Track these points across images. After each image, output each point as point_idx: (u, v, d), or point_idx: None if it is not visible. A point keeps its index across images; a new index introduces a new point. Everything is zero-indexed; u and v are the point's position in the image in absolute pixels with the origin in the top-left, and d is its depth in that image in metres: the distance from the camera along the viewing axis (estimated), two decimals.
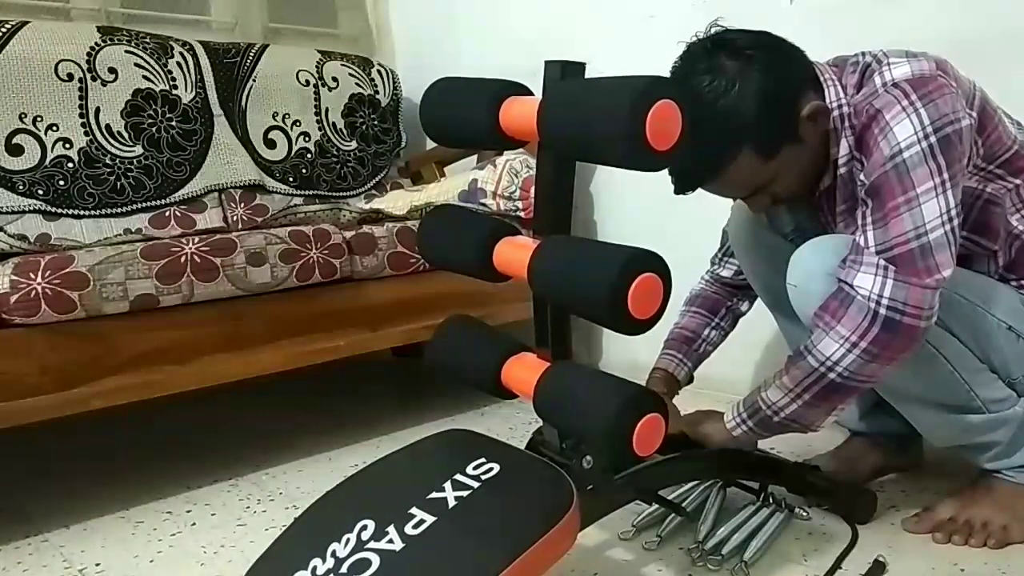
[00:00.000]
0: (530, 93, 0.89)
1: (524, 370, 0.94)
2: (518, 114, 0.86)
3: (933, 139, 0.94)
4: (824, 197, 1.12)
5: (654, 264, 0.78)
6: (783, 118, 1.01)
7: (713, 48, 1.00)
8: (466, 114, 0.90)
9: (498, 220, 0.98)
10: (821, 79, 1.05)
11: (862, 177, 1.01)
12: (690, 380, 1.36)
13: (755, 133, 0.99)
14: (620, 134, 0.73)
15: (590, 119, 0.77)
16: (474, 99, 0.89)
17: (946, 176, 0.95)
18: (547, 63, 0.86)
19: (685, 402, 1.32)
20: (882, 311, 0.95)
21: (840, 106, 1.04)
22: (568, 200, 0.92)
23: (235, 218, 1.94)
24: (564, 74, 0.85)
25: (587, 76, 0.86)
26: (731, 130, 0.98)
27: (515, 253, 0.89)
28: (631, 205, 2.03)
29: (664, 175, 1.69)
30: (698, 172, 1.04)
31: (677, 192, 1.07)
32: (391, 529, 0.83)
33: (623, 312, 0.76)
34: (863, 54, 1.06)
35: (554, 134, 0.82)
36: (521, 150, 1.85)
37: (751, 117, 0.98)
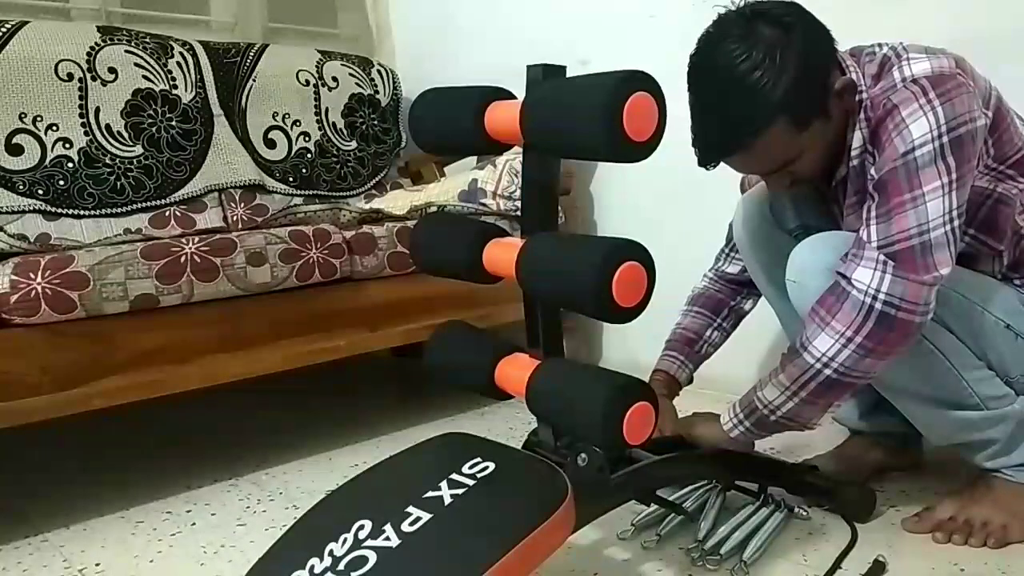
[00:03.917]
0: (513, 97, 0.90)
1: (516, 369, 0.95)
2: (502, 118, 0.88)
3: (946, 138, 0.94)
4: (839, 188, 1.12)
5: (636, 253, 0.79)
6: (818, 90, 1.01)
7: (752, 16, 0.99)
8: (453, 122, 0.92)
9: (486, 223, 1.00)
10: (843, 64, 1.05)
11: (872, 171, 1.01)
12: (690, 381, 1.36)
13: (792, 103, 0.98)
14: (599, 129, 0.76)
15: (569, 117, 0.79)
16: (459, 107, 0.91)
17: (955, 176, 0.95)
18: (529, 67, 0.88)
19: (688, 402, 1.32)
20: (878, 305, 0.95)
21: (860, 91, 1.04)
22: (554, 198, 0.94)
23: (235, 218, 1.94)
24: (545, 77, 0.87)
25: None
26: (769, 98, 0.97)
27: (503, 253, 0.91)
28: (631, 205, 2.03)
29: (665, 175, 1.70)
30: (730, 141, 1.02)
31: (701, 164, 1.05)
32: (388, 527, 0.84)
33: (608, 300, 0.77)
34: (880, 45, 1.06)
35: (537, 134, 0.84)
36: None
37: (790, 86, 0.96)
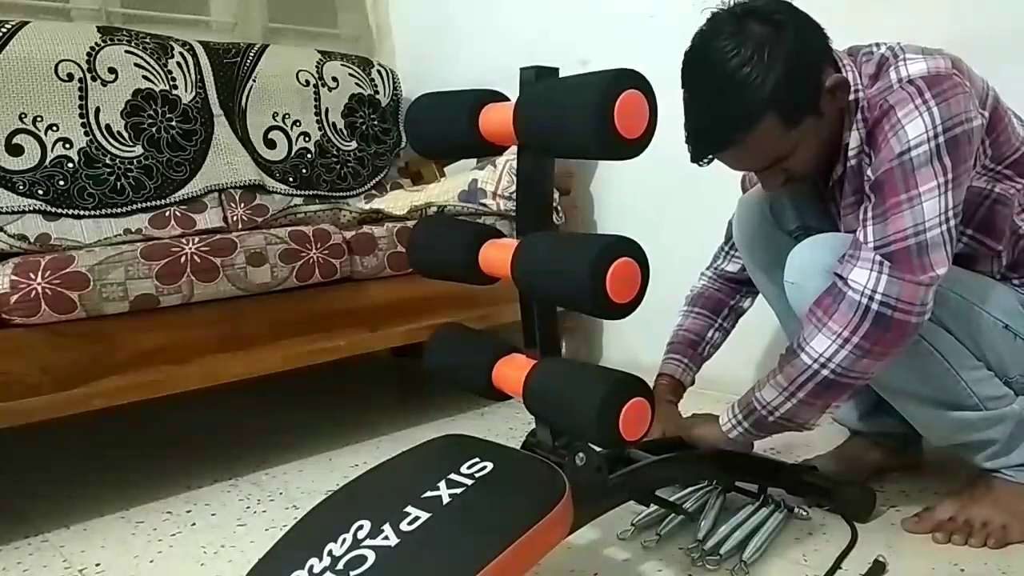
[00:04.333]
0: (507, 99, 0.91)
1: (514, 370, 0.95)
2: (496, 120, 0.88)
3: (942, 139, 0.95)
4: (837, 187, 1.12)
5: (629, 249, 0.80)
6: (809, 87, 1.01)
7: (743, 14, 1.00)
8: (448, 126, 0.93)
9: (481, 224, 1.00)
10: (839, 63, 1.05)
11: (869, 172, 1.01)
12: (693, 382, 1.36)
13: (781, 99, 0.98)
14: (590, 128, 0.76)
15: (561, 117, 0.80)
16: (454, 111, 0.92)
17: (950, 176, 0.95)
18: (522, 69, 0.88)
19: (687, 403, 1.32)
20: (874, 306, 0.95)
21: (856, 91, 1.04)
22: (549, 197, 0.94)
23: (235, 218, 1.94)
24: (538, 78, 0.87)
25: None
26: (758, 94, 0.97)
27: (498, 254, 0.91)
28: (630, 205, 2.03)
29: (664, 175, 1.70)
30: (721, 137, 1.02)
31: (694, 160, 1.06)
32: (386, 527, 0.84)
33: (603, 297, 0.78)
34: (877, 45, 1.06)
35: (530, 135, 0.85)
36: None
37: (779, 82, 0.97)
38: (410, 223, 1.74)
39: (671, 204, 1.90)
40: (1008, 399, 1.08)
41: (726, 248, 1.37)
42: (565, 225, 1.98)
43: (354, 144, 2.24)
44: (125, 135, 1.84)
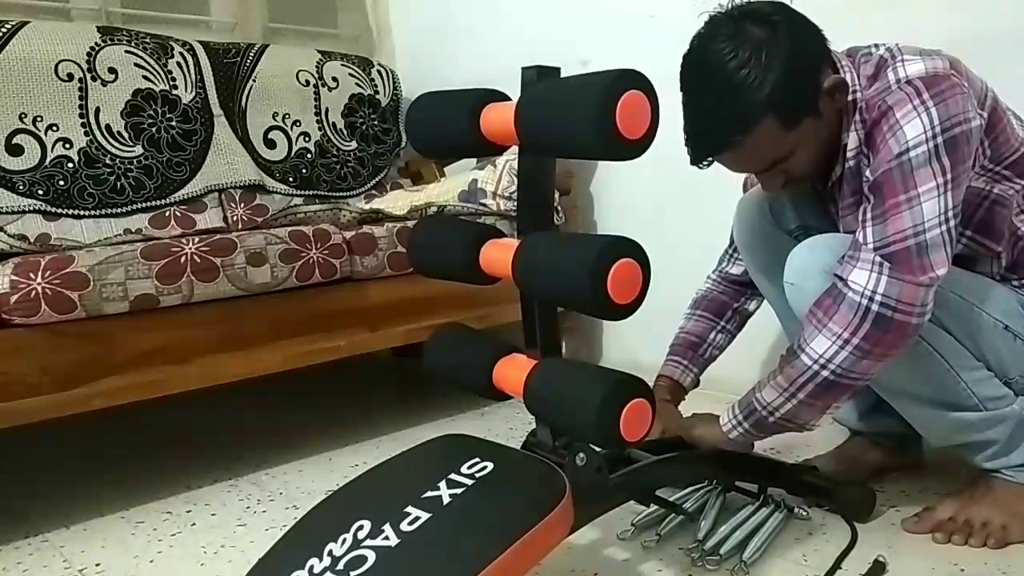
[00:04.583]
0: (508, 99, 0.91)
1: (514, 370, 0.95)
2: (497, 119, 0.88)
3: (940, 139, 0.95)
4: (836, 188, 1.12)
5: (631, 250, 0.80)
6: (807, 88, 1.01)
7: (740, 16, 1.00)
8: (449, 126, 0.93)
9: (482, 224, 1.00)
10: (838, 64, 1.05)
11: (867, 173, 1.01)
12: (696, 384, 1.36)
13: (780, 100, 0.98)
14: (592, 128, 0.76)
15: (563, 117, 0.80)
16: (455, 110, 0.92)
17: (949, 177, 0.95)
18: (523, 69, 0.88)
19: (689, 403, 1.32)
20: (874, 307, 0.95)
21: (855, 92, 1.04)
22: (550, 197, 0.95)
23: (235, 218, 1.94)
24: (540, 78, 0.87)
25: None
26: (757, 96, 0.97)
27: (499, 254, 0.91)
28: (631, 205, 2.03)
29: (665, 175, 1.70)
30: (720, 140, 1.02)
31: (693, 163, 1.06)
32: (387, 527, 0.84)
33: (604, 297, 0.78)
34: (876, 46, 1.06)
35: (531, 135, 0.85)
36: None
37: (777, 83, 0.97)
38: (410, 223, 1.74)
39: (672, 204, 1.90)
40: (1008, 400, 1.08)
41: (730, 251, 1.37)
42: (565, 225, 1.98)
43: (354, 144, 2.24)
44: (125, 135, 1.84)
